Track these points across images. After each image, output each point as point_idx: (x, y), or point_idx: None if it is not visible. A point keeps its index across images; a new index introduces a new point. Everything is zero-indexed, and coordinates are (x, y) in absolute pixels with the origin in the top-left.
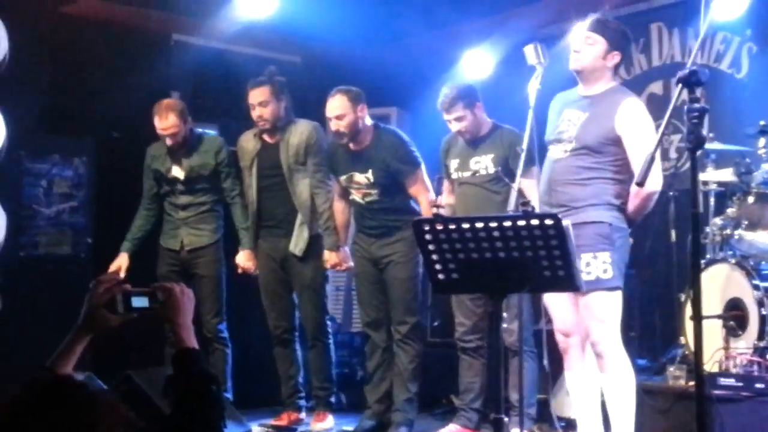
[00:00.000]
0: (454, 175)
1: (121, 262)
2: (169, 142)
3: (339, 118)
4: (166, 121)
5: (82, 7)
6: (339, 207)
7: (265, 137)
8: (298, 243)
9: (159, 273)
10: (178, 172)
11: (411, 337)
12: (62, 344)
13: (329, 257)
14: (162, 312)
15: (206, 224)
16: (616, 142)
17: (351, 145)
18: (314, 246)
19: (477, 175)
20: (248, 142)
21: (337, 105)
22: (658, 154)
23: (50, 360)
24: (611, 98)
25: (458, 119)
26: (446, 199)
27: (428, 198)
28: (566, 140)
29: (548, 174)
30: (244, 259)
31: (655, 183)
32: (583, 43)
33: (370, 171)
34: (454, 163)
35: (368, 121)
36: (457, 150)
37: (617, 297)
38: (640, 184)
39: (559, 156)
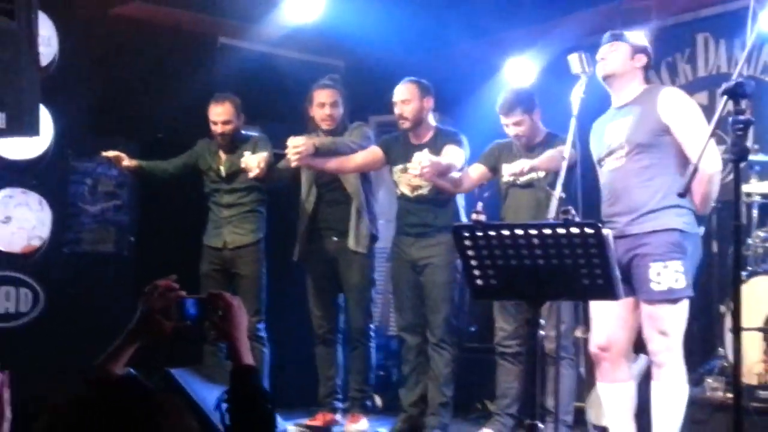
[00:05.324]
0: (506, 179)
1: (126, 158)
2: (219, 129)
3: (404, 102)
4: (221, 108)
5: (130, 9)
6: (354, 160)
7: None
8: (359, 239)
9: (202, 271)
10: (221, 169)
11: (447, 341)
12: (112, 346)
13: (303, 140)
14: (220, 326)
15: (249, 223)
16: (667, 131)
17: (412, 138)
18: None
19: (527, 179)
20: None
21: (404, 90)
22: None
23: (98, 361)
24: (649, 94)
25: (516, 123)
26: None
27: (454, 163)
28: (618, 148)
29: (608, 185)
30: (257, 157)
31: (713, 164)
32: (608, 51)
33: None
34: (507, 167)
35: (432, 121)
36: (512, 155)
37: (685, 307)
38: (682, 195)
39: (616, 165)
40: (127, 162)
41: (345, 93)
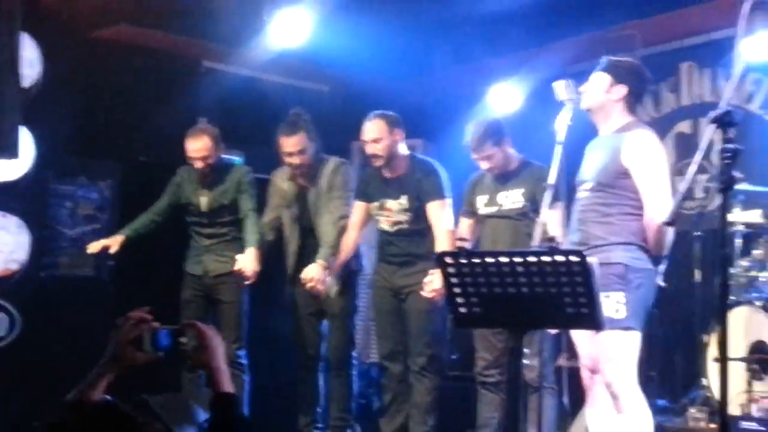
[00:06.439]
0: (482, 210)
1: (112, 243)
2: (199, 165)
3: (375, 141)
4: (198, 143)
5: (113, 32)
6: (351, 236)
7: (300, 181)
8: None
9: (183, 297)
10: (202, 203)
11: (429, 369)
12: (86, 378)
13: (315, 269)
14: (196, 356)
15: (230, 251)
16: (627, 175)
17: (386, 172)
18: (347, 278)
19: (505, 209)
20: (283, 182)
21: (373, 128)
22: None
23: (73, 393)
24: (621, 133)
25: (487, 158)
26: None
27: (446, 231)
28: (587, 180)
29: (574, 214)
30: (250, 259)
31: (662, 215)
32: (589, 83)
33: (404, 197)
34: (482, 199)
35: (404, 150)
36: (485, 186)
37: (632, 338)
38: (670, 223)
39: (582, 196)
40: (114, 246)
41: (312, 129)
